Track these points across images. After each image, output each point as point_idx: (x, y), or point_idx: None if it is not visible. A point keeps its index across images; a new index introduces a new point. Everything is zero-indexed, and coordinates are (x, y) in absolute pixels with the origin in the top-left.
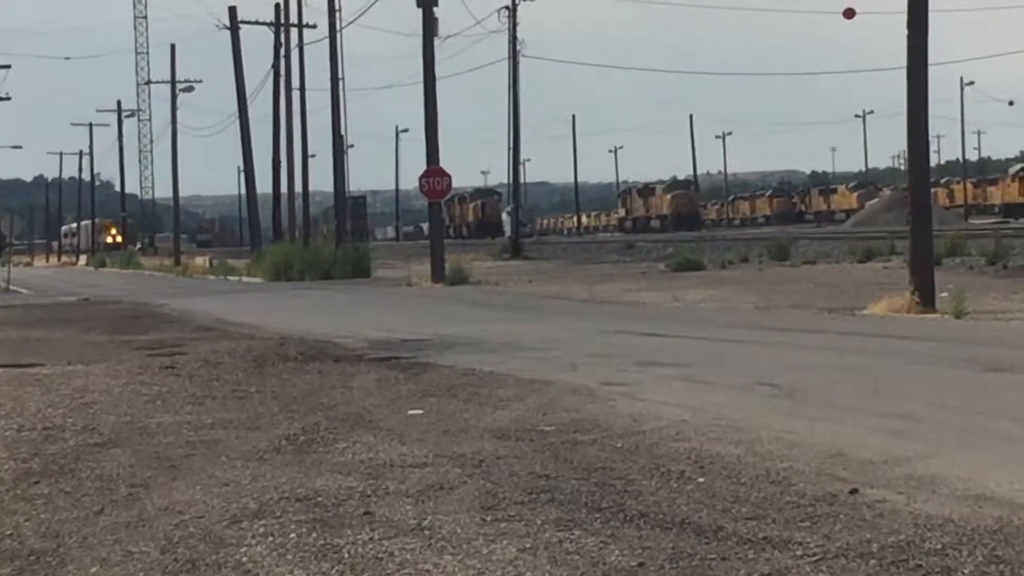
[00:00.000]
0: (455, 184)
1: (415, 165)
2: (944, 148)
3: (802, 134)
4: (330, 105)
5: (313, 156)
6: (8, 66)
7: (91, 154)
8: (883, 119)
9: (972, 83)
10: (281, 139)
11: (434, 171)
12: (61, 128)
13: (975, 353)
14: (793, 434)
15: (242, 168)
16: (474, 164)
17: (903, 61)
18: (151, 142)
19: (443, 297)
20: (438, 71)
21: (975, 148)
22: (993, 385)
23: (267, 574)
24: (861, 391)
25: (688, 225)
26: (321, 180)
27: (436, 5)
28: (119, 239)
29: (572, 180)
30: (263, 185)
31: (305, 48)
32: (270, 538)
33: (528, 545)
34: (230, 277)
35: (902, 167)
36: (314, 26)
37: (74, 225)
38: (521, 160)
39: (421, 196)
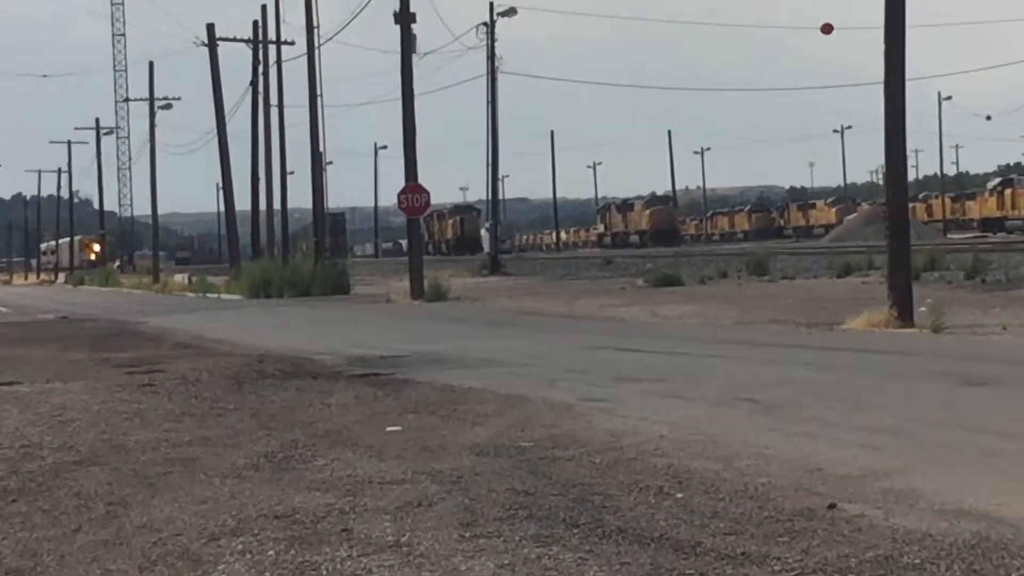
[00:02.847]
0: (434, 200)
1: (394, 182)
2: (922, 163)
3: (781, 149)
4: (308, 122)
5: (292, 173)
6: None
7: (69, 172)
8: (861, 134)
9: (950, 98)
10: (259, 156)
11: (413, 188)
12: (39, 146)
13: (953, 367)
14: (771, 449)
15: (221, 185)
16: (453, 180)
17: (881, 76)
18: (130, 159)
19: (422, 314)
20: (416, 88)
21: (953, 163)
22: (971, 399)
23: None
24: (840, 406)
25: (667, 241)
26: (300, 197)
27: (414, 22)
28: (96, 255)
29: (551, 196)
30: (242, 202)
31: (283, 65)
32: (248, 555)
33: (507, 561)
34: (209, 294)
35: (880, 182)
36: (292, 43)
37: (53, 243)
38: (500, 176)
39: (400, 213)
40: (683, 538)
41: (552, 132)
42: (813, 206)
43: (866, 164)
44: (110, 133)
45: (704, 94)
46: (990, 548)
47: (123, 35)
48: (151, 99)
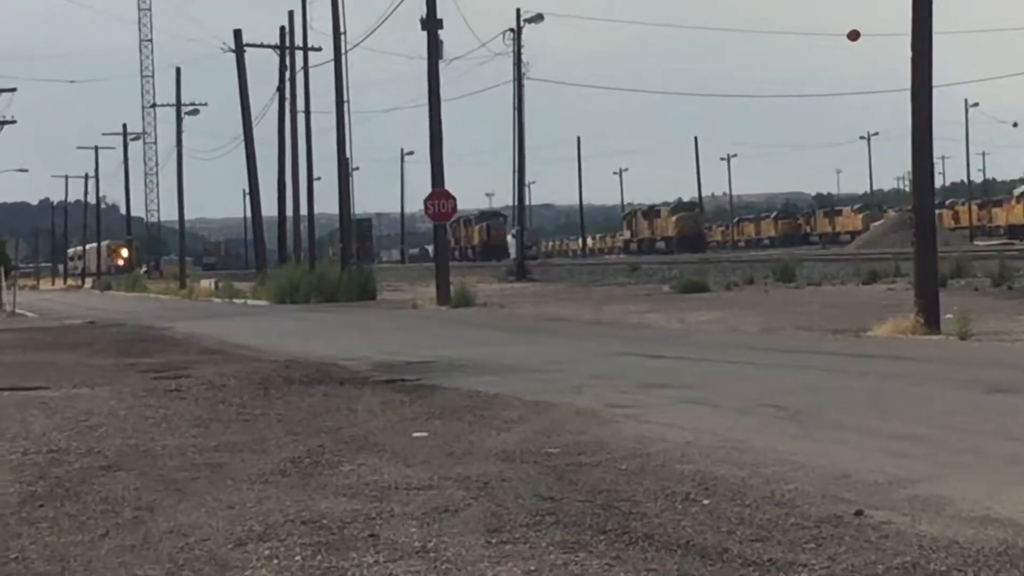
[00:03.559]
0: (460, 206)
1: (420, 187)
2: (949, 169)
3: (807, 156)
4: (335, 128)
5: (318, 179)
6: (14, 89)
7: (96, 177)
8: (888, 140)
9: (977, 104)
10: (286, 162)
11: (439, 193)
12: (67, 151)
13: (980, 374)
14: (798, 456)
15: (247, 191)
16: (479, 186)
17: (908, 82)
18: (156, 165)
19: (448, 319)
20: (443, 93)
21: (980, 169)
22: (998, 406)
23: None
24: (866, 412)
25: (693, 247)
26: (326, 203)
27: (441, 28)
28: (127, 261)
29: (577, 202)
30: (268, 208)
31: (310, 71)
32: (275, 561)
33: (533, 567)
34: (236, 300)
35: (907, 188)
36: (319, 49)
37: (80, 248)
38: (526, 182)
39: (426, 218)
40: (710, 544)
41: (579, 138)
42: (839, 213)
43: (893, 171)
44: (137, 139)
45: (731, 101)
46: (1017, 555)
47: (150, 41)
48: (178, 105)
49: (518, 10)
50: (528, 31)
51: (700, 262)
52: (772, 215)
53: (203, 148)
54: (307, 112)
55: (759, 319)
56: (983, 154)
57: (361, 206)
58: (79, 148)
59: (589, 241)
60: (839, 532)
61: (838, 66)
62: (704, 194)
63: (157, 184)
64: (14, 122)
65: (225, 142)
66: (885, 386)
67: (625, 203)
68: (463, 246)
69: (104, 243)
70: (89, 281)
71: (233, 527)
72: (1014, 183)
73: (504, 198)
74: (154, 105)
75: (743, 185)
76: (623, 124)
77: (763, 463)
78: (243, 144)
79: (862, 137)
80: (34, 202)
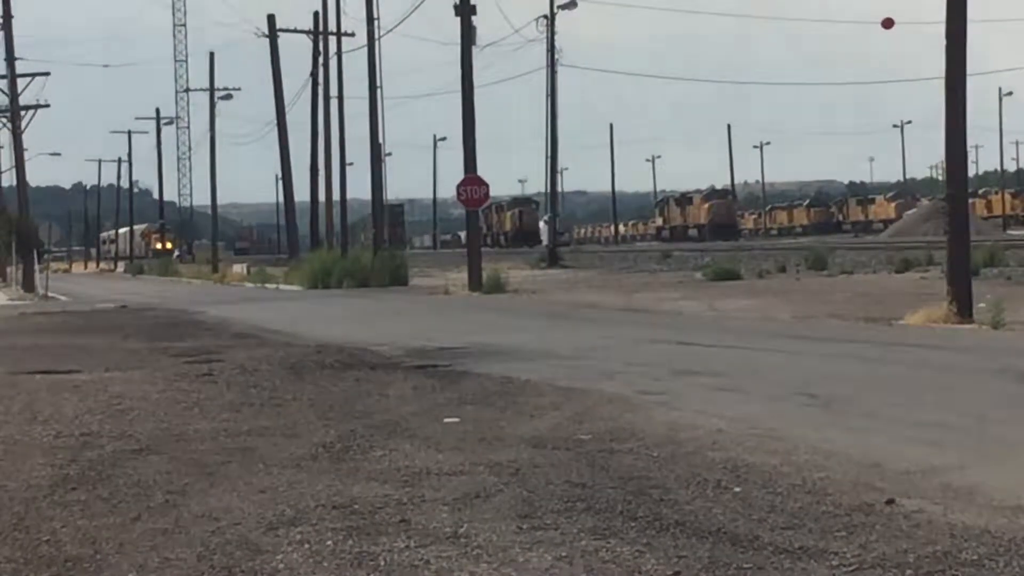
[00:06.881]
0: (492, 192)
1: (453, 173)
2: (982, 158)
3: (840, 144)
4: (368, 113)
5: (351, 164)
6: (47, 73)
7: (130, 161)
8: (921, 129)
9: (1011, 93)
10: (319, 147)
11: (472, 179)
12: (100, 136)
13: (1012, 363)
14: (830, 444)
15: (280, 176)
16: (512, 173)
17: (941, 71)
18: (189, 149)
19: (480, 306)
20: (476, 80)
21: (1013, 158)
22: None
23: None
24: (898, 401)
25: (725, 235)
26: (359, 188)
27: (474, 14)
28: (168, 245)
29: (609, 189)
30: (301, 193)
31: (343, 56)
32: (306, 545)
33: (564, 553)
34: (268, 285)
35: (940, 177)
36: (352, 34)
37: (113, 232)
38: (558, 169)
39: (459, 204)
40: (741, 532)
41: (611, 125)
42: (872, 201)
43: (926, 159)
44: (170, 123)
45: (764, 88)
46: None
47: (184, 25)
48: (211, 89)
49: None
50: (561, 18)
51: (732, 250)
52: (805, 203)
53: (236, 133)
54: (340, 97)
55: (791, 307)
56: (1017, 143)
57: (393, 192)
58: (112, 132)
59: (621, 228)
60: (870, 520)
61: (872, 54)
62: (737, 182)
63: (190, 169)
64: (47, 106)
65: (258, 127)
66: (917, 375)
67: (658, 190)
68: (495, 232)
69: (139, 227)
70: (121, 265)
71: (264, 511)
72: None
73: (537, 184)
74: (187, 90)
75: (776, 173)
76: (656, 111)
77: (795, 451)
78: (276, 129)
79: (895, 125)
80: (67, 186)
